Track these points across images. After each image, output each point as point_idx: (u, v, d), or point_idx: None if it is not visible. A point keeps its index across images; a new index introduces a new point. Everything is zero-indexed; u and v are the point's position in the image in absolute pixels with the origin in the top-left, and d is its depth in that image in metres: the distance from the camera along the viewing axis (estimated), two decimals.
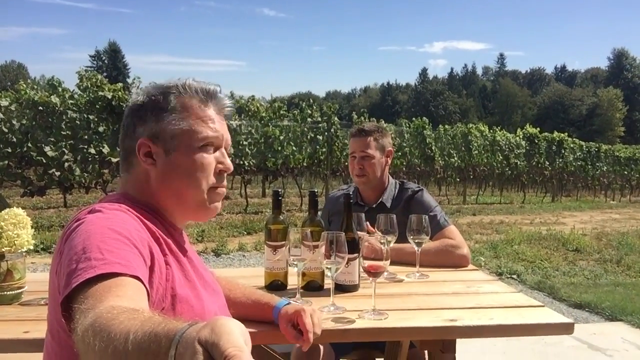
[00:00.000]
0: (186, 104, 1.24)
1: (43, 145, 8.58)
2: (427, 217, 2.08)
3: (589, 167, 20.30)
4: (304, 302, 1.73)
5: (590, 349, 3.93)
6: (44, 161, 8.61)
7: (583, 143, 20.73)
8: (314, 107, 13.28)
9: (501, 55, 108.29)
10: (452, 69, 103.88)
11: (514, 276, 6.29)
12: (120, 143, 1.28)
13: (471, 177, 17.16)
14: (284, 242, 1.86)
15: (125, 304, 0.83)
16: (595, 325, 4.60)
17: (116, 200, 1.20)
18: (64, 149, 8.76)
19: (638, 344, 4.10)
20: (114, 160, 9.06)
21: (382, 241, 1.65)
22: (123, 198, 1.22)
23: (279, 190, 1.97)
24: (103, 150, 9.03)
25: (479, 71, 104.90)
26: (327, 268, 1.64)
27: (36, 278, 2.09)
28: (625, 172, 22.16)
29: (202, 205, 1.26)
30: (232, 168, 1.31)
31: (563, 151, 18.96)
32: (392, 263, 1.89)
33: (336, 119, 13.07)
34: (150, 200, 1.24)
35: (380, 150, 2.55)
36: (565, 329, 1.60)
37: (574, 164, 19.42)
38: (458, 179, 16.76)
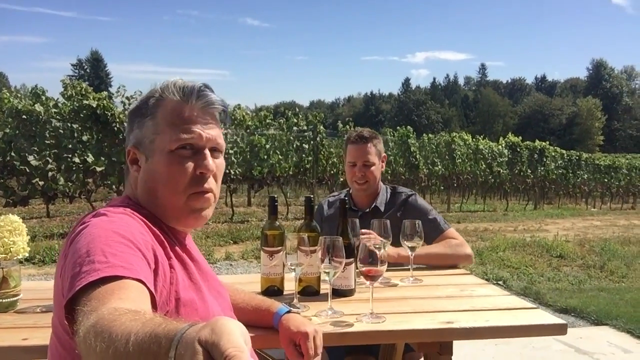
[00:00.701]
0: (163, 106, 1.22)
1: (26, 154, 8.48)
2: (420, 222, 2.12)
3: (570, 175, 20.60)
4: (301, 307, 1.74)
5: (578, 353, 3.99)
6: (28, 170, 8.50)
7: (564, 151, 21.05)
8: (300, 116, 13.32)
9: (482, 65, 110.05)
10: (434, 79, 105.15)
11: (500, 282, 6.35)
12: None
13: (455, 185, 17.31)
14: (280, 248, 1.88)
15: (128, 306, 0.84)
16: (581, 329, 4.66)
17: (121, 204, 1.21)
18: (47, 158, 8.67)
19: (624, 347, 4.16)
20: (99, 169, 8.98)
21: (378, 245, 1.68)
22: (127, 201, 1.23)
23: (275, 196, 1.99)
24: (87, 159, 8.95)
25: (461, 81, 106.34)
26: (325, 272, 1.66)
27: (30, 286, 2.07)
28: (606, 180, 22.51)
29: (183, 211, 1.22)
30: (211, 169, 1.24)
31: (545, 159, 19.22)
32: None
33: (322, 127, 13.11)
34: (143, 204, 1.24)
35: (378, 156, 2.59)
36: (559, 329, 1.63)
37: (555, 172, 19.69)
38: (442, 187, 16.90)
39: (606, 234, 11.54)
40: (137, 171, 1.25)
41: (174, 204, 1.21)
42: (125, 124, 1.30)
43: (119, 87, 10.22)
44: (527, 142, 19.14)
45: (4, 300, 1.70)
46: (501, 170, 17.69)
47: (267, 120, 12.69)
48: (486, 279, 6.41)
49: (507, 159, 18.02)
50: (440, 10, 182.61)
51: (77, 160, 8.89)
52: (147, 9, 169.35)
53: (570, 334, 4.31)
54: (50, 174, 8.66)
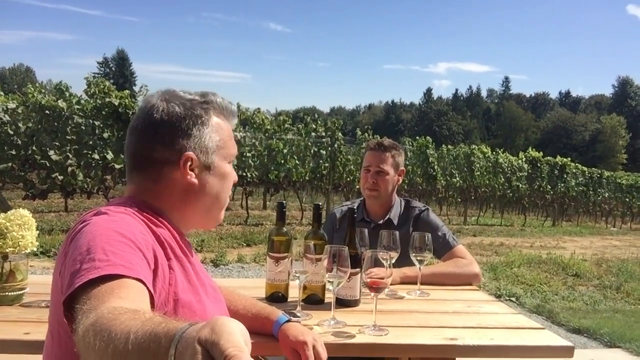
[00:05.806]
0: (220, 119, 1.29)
1: (47, 149, 8.60)
2: (429, 235, 2.09)
3: (591, 192, 20.27)
4: (303, 316, 1.73)
5: None
6: (48, 165, 8.62)
7: (585, 168, 20.72)
8: (319, 122, 13.32)
9: (506, 78, 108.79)
10: (456, 90, 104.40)
11: (513, 299, 6.26)
12: (143, 151, 1.23)
13: (472, 198, 17.14)
14: (286, 254, 1.87)
15: (128, 305, 0.84)
16: (593, 351, 4.57)
17: (122, 203, 1.20)
18: (68, 154, 8.79)
19: None
20: (118, 166, 9.08)
21: (384, 258, 1.66)
22: (129, 202, 1.22)
23: (284, 202, 1.98)
24: (107, 156, 9.06)
25: (484, 93, 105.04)
26: (329, 281, 1.65)
27: (37, 280, 2.09)
28: (627, 200, 22.12)
29: (217, 220, 1.34)
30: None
31: (565, 176, 18.96)
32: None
33: (340, 134, 13.09)
34: (164, 207, 1.24)
35: (395, 168, 2.57)
36: (566, 352, 1.60)
37: (575, 189, 19.40)
38: (459, 200, 16.75)
39: (625, 254, 11.33)
40: (193, 179, 1.23)
41: (216, 215, 1.32)
42: (166, 123, 1.21)
43: (141, 87, 10.37)
44: (548, 158, 18.91)
45: (9, 294, 1.71)
46: (520, 185, 17.49)
47: (286, 125, 12.72)
48: (499, 295, 6.34)
49: (526, 174, 17.82)
50: (463, 22, 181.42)
51: (96, 156, 9.01)
52: (172, 10, 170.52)
53: (582, 355, 4.23)
54: (69, 169, 8.77)
